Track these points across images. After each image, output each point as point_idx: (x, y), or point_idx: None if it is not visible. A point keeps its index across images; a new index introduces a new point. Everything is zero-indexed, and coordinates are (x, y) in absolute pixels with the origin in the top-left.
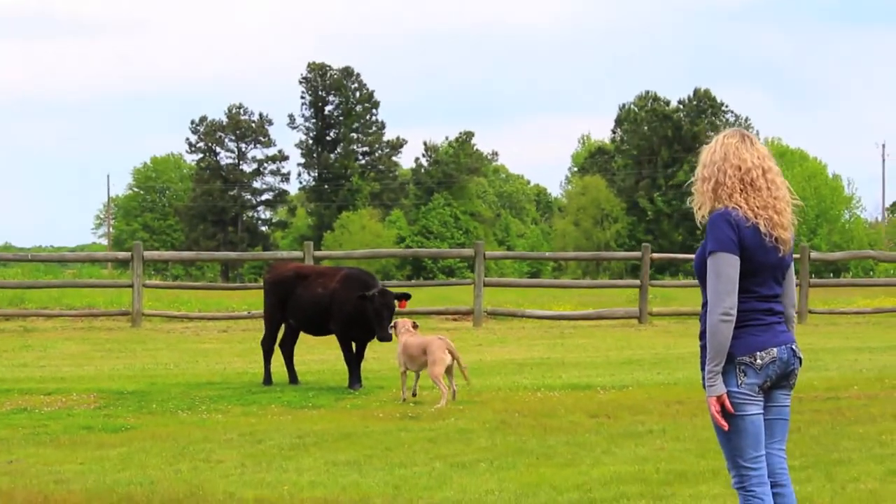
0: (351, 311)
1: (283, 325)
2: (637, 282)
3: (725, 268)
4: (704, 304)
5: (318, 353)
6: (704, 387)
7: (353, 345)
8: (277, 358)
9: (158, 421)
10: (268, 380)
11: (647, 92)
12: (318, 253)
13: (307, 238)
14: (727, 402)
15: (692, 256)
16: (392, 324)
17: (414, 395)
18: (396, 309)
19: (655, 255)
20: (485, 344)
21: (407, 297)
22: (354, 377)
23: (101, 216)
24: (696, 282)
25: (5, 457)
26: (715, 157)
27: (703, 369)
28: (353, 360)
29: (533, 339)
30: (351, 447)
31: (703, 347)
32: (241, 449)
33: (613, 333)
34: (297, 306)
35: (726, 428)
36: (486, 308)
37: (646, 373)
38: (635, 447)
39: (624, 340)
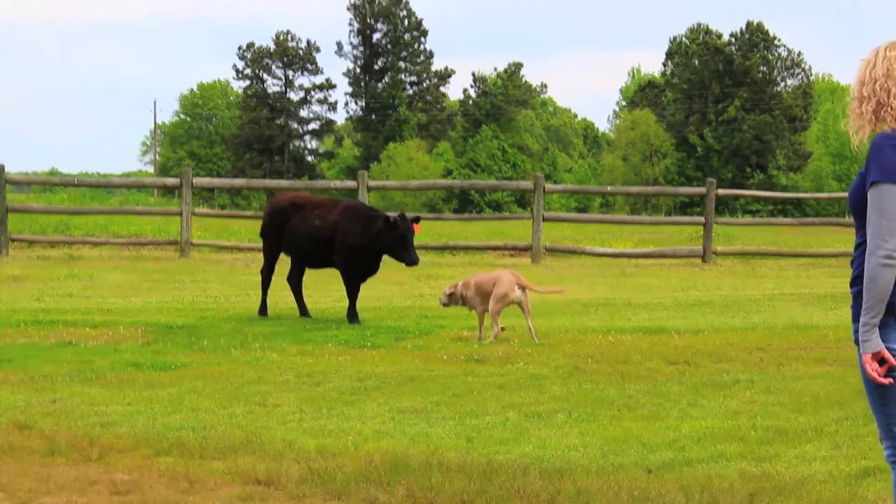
0: (354, 244)
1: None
2: (700, 219)
3: (892, 203)
4: (859, 245)
5: (372, 290)
6: (857, 341)
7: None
8: (327, 292)
9: (210, 359)
10: (263, 311)
11: (699, 24)
12: (372, 183)
13: (354, 168)
14: (889, 357)
15: (759, 193)
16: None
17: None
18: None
19: (721, 191)
20: (544, 282)
21: (419, 219)
22: (354, 312)
23: (148, 143)
24: (761, 221)
25: (49, 395)
26: (876, 74)
27: (855, 321)
28: (355, 295)
29: (594, 278)
30: (416, 392)
31: (857, 295)
32: (298, 392)
33: (677, 273)
34: (293, 238)
35: (889, 382)
36: (545, 244)
37: (719, 316)
38: (723, 399)
39: (689, 280)
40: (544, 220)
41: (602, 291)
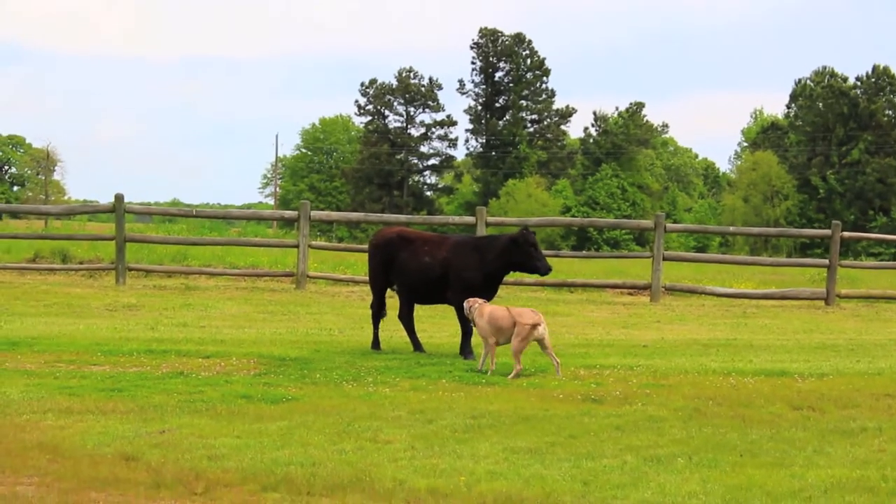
0: (473, 276)
1: (390, 293)
2: (824, 261)
3: None
4: None
5: None
6: None
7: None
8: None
9: (322, 392)
10: (375, 344)
11: (825, 67)
12: (490, 219)
13: (472, 204)
14: None
15: (885, 237)
16: (469, 305)
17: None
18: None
19: (846, 234)
20: (663, 321)
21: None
22: (469, 347)
23: (269, 176)
24: (886, 264)
25: (158, 425)
26: None
27: None
28: (469, 330)
29: (714, 318)
30: (531, 432)
31: None
32: (410, 428)
33: (799, 315)
34: (401, 272)
35: None
36: (665, 283)
37: (843, 360)
38: (850, 447)
39: (811, 323)
40: (664, 259)
41: (722, 332)
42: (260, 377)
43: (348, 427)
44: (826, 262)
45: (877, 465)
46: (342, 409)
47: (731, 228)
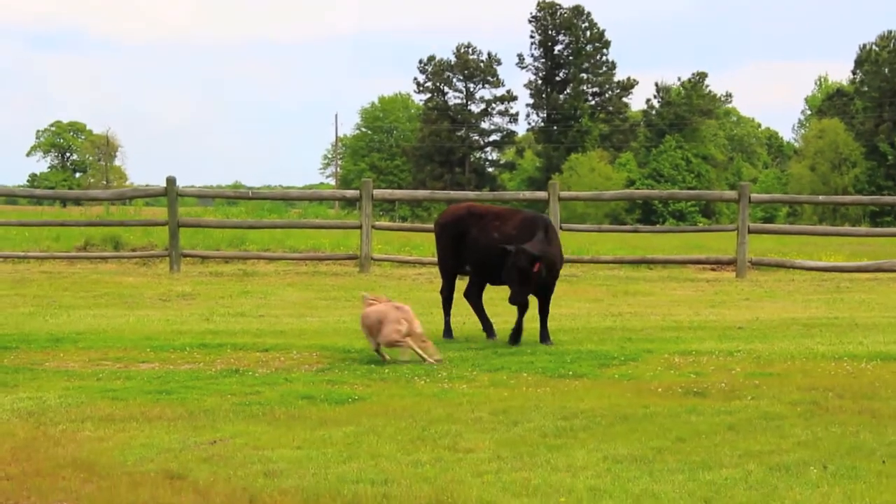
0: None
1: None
2: None
3: None
4: None
5: (567, 307)
6: None
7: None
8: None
9: (391, 390)
10: (447, 333)
11: (890, 32)
12: (563, 193)
13: (535, 180)
14: None
15: None
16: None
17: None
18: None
19: None
20: (752, 298)
21: (538, 259)
22: (546, 332)
23: (329, 156)
24: None
25: (209, 435)
26: None
27: None
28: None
29: (807, 294)
30: (631, 435)
31: None
32: (493, 433)
33: None
34: (472, 250)
35: None
36: (751, 258)
37: None
38: None
39: None
40: (750, 231)
41: (819, 309)
42: (323, 373)
43: (423, 433)
44: None
45: None
46: (415, 411)
47: (821, 198)
